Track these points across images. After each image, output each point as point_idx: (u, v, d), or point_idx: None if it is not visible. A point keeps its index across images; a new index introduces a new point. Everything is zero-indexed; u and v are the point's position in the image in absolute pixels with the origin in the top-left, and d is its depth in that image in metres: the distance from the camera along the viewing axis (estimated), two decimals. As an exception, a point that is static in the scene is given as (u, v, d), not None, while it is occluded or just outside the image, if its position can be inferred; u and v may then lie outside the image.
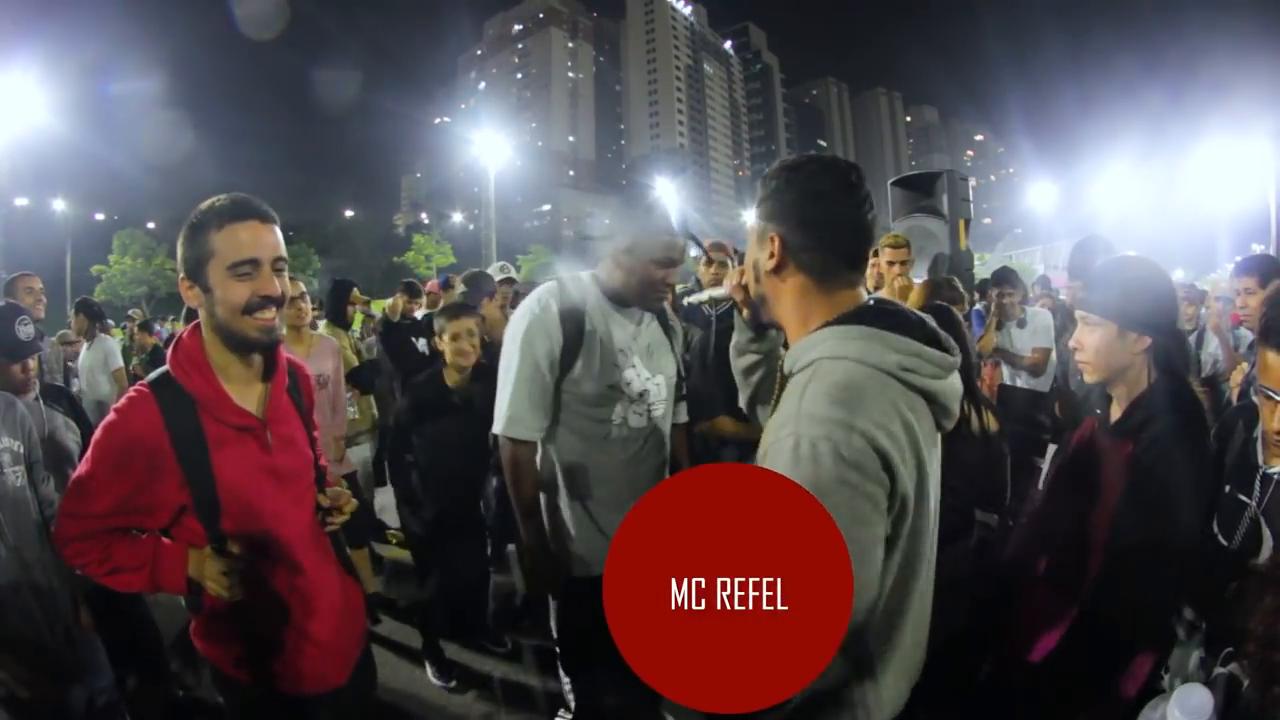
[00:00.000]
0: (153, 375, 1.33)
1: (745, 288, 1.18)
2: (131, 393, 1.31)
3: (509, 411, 1.76)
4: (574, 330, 1.75)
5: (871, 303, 1.08)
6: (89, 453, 1.28)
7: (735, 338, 1.32)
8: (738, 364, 1.34)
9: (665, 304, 2.05)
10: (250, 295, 1.25)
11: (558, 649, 2.02)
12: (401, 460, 2.82)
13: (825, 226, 1.04)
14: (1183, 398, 1.44)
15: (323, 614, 1.44)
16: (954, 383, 1.05)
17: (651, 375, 1.86)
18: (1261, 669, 0.87)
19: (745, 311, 1.25)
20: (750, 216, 1.16)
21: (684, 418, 2.10)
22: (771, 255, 1.06)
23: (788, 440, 0.91)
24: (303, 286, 3.47)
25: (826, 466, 0.88)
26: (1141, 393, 1.47)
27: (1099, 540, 1.44)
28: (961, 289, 2.43)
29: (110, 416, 1.28)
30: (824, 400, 0.92)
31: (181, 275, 1.31)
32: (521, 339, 1.75)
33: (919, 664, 1.11)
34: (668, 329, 1.99)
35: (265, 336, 1.30)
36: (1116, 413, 1.53)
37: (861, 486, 0.89)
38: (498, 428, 1.79)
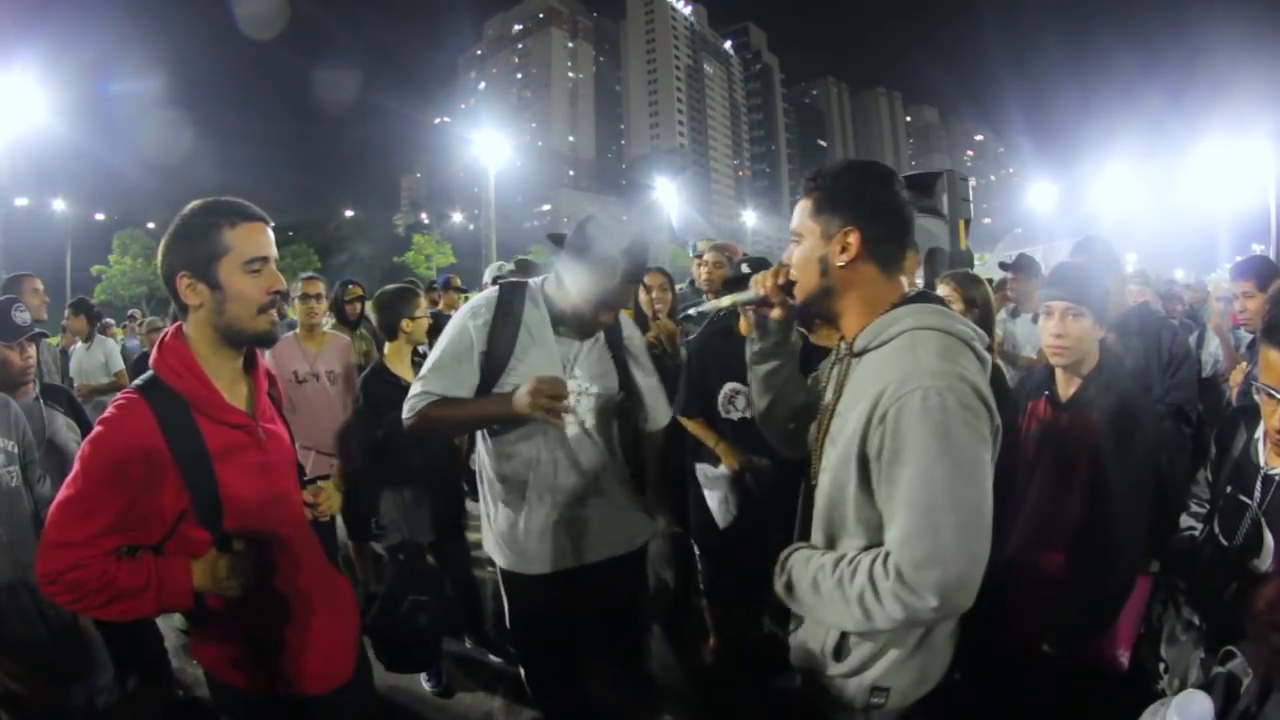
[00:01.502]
0: (139, 381, 1.30)
1: (784, 288, 1.23)
2: (120, 400, 1.26)
3: (420, 386, 1.77)
4: (503, 342, 1.77)
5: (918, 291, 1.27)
6: (76, 471, 1.20)
7: (759, 344, 1.33)
8: (760, 369, 1.35)
9: (622, 314, 2.01)
10: (262, 290, 1.29)
11: (512, 639, 2.09)
12: (372, 466, 2.74)
13: (893, 221, 1.19)
14: (1125, 371, 1.82)
15: (322, 610, 1.45)
16: (990, 357, 1.23)
17: (590, 384, 1.85)
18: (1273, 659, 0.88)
19: (777, 313, 1.27)
20: (764, 221, 1.25)
21: (658, 423, 2.04)
22: (845, 249, 1.16)
23: (915, 394, 1.04)
24: (321, 287, 3.47)
25: (953, 410, 1.04)
26: (1091, 371, 1.76)
27: (1081, 496, 1.64)
28: (989, 288, 2.51)
29: (99, 429, 1.23)
30: (937, 357, 1.08)
31: (182, 273, 1.27)
32: (449, 336, 1.80)
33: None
34: (615, 338, 1.94)
35: (272, 330, 1.33)
36: (1067, 390, 1.79)
37: (977, 427, 1.06)
38: (408, 420, 1.78)
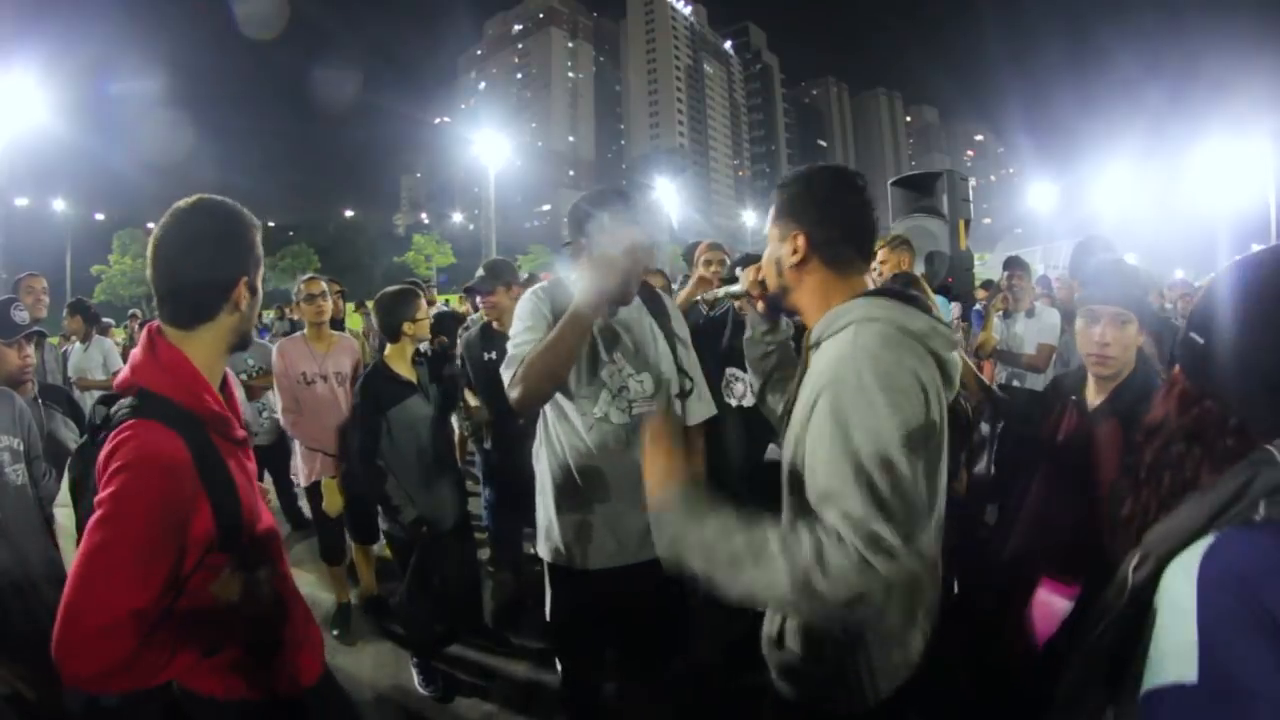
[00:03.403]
0: (139, 403, 1.13)
1: (762, 283, 1.34)
2: (135, 427, 1.08)
3: (514, 351, 1.75)
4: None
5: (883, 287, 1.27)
6: (118, 519, 1.00)
7: (750, 331, 1.49)
8: (753, 353, 1.50)
9: (667, 299, 2.04)
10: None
11: (551, 635, 2.05)
12: (371, 460, 2.75)
13: (843, 224, 1.22)
14: (1155, 380, 1.65)
15: (299, 606, 1.46)
16: (957, 356, 1.22)
17: (635, 372, 1.85)
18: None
19: (761, 305, 1.39)
20: (764, 221, 1.32)
21: (697, 417, 2.03)
22: (795, 251, 1.22)
23: (850, 375, 1.06)
24: (324, 285, 3.38)
25: (885, 389, 1.04)
26: (1126, 378, 1.65)
27: (1101, 516, 1.47)
28: (929, 291, 2.54)
29: (132, 461, 1.03)
30: (876, 342, 1.09)
31: (244, 278, 1.22)
32: (524, 313, 1.83)
33: (937, 611, 1.27)
34: (664, 324, 1.96)
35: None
36: (1096, 397, 1.68)
37: (906, 406, 1.05)
38: (512, 393, 1.72)
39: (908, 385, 1.06)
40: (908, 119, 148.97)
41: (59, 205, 36.80)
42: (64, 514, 1.60)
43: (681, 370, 1.97)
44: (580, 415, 1.82)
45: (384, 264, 47.34)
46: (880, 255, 3.45)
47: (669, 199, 47.04)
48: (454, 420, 4.07)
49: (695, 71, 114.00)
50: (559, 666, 2.04)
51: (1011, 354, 4.14)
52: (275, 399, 3.38)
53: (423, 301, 2.93)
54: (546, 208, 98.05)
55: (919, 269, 4.55)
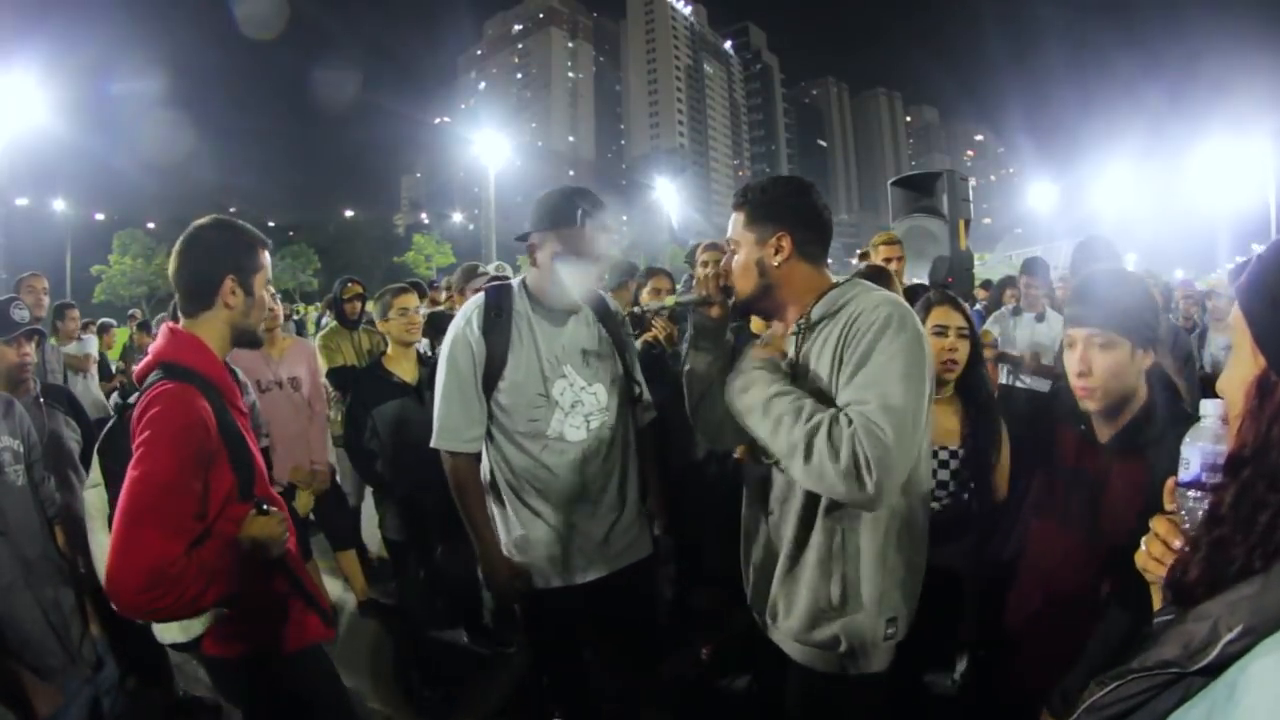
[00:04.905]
0: (169, 371, 1.36)
1: (725, 289, 1.41)
2: (167, 386, 1.31)
3: (438, 424, 1.79)
4: (499, 343, 1.75)
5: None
6: (155, 457, 1.21)
7: (699, 341, 1.50)
8: (700, 360, 1.49)
9: (613, 303, 1.97)
10: (268, 304, 1.60)
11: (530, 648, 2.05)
12: (366, 459, 2.75)
13: (818, 224, 1.39)
14: (1181, 410, 1.39)
15: (306, 569, 1.69)
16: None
17: (587, 384, 1.79)
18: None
19: (717, 311, 1.44)
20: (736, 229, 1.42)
21: (647, 420, 1.97)
22: (779, 250, 1.35)
23: (881, 312, 1.25)
24: (271, 288, 3.39)
25: (911, 329, 1.24)
26: (1142, 408, 1.38)
27: (1116, 560, 1.25)
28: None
29: (165, 411, 1.26)
30: (897, 310, 1.26)
31: (231, 276, 1.45)
32: (447, 355, 1.78)
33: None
34: (614, 330, 1.90)
35: (263, 334, 1.61)
36: (1105, 429, 1.43)
37: (924, 351, 1.25)
38: (433, 441, 1.80)
39: (923, 345, 1.24)
40: (908, 119, 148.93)
41: (59, 205, 36.76)
42: (95, 494, 1.64)
43: (630, 376, 1.91)
44: (532, 439, 1.76)
45: (384, 264, 47.31)
46: (892, 251, 3.44)
47: (669, 199, 47.04)
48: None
49: (695, 71, 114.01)
50: (542, 677, 2.01)
51: (1013, 356, 4.13)
52: None
53: (399, 300, 2.91)
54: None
55: (922, 272, 4.55)
